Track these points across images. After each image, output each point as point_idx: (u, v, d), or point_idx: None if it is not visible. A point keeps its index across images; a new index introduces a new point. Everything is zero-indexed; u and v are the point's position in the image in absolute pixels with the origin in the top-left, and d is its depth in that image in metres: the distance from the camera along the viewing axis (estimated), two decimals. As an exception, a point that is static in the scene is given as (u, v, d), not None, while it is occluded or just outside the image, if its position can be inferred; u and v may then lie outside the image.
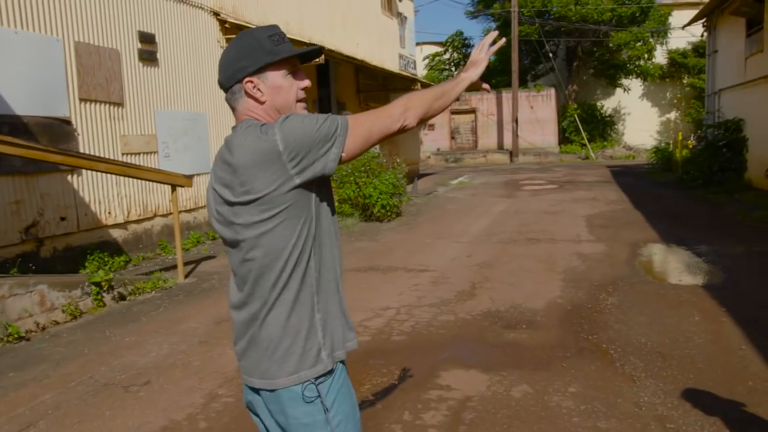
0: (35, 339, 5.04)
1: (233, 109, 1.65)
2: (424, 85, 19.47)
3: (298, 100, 1.65)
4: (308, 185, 1.51)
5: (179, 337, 4.96)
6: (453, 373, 4.00)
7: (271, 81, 1.60)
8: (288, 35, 1.71)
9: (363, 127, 1.55)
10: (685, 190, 14.37)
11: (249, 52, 1.58)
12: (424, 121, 1.67)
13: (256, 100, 1.60)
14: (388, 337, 4.76)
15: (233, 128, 1.61)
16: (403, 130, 1.63)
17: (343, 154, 1.52)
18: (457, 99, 1.76)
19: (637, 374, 3.85)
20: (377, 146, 17.75)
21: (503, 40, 1.82)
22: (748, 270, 6.51)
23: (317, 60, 11.17)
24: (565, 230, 9.42)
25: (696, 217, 10.33)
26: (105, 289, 6.00)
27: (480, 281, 6.43)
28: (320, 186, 1.57)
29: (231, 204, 1.53)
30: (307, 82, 1.66)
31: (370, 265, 7.47)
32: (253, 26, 1.65)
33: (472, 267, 7.12)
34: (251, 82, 1.59)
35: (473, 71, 1.76)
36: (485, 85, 1.86)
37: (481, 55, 1.78)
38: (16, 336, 4.94)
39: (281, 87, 1.61)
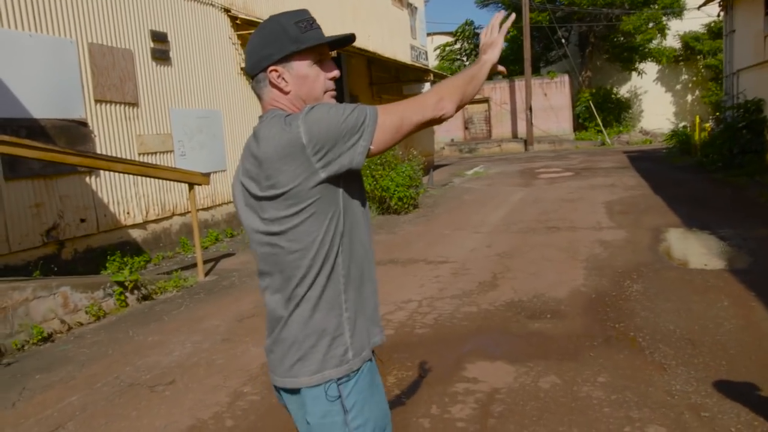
0: (60, 340, 5.07)
1: (259, 97, 1.61)
2: (437, 76, 19.36)
3: (326, 91, 1.58)
4: (335, 179, 1.45)
5: (202, 335, 4.96)
6: (479, 365, 3.95)
7: (296, 70, 1.53)
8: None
9: (394, 117, 1.47)
10: (704, 174, 14.15)
11: (273, 39, 1.52)
12: (460, 108, 1.59)
13: (280, 90, 1.55)
14: (412, 330, 4.72)
15: (260, 118, 1.56)
16: (440, 120, 1.55)
17: (372, 147, 1.45)
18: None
19: (667, 362, 3.78)
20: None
21: (513, 15, 1.76)
22: (775, 253, 6.38)
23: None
24: (584, 218, 9.31)
25: (718, 201, 10.16)
26: (129, 289, 6.02)
27: (501, 271, 6.37)
28: (349, 180, 1.50)
29: (258, 198, 1.49)
30: (335, 72, 1.59)
31: (389, 257, 7.43)
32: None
33: (493, 257, 7.05)
34: (276, 71, 1.53)
35: (491, 53, 1.68)
36: (501, 68, 1.78)
37: (494, 35, 1.70)
38: (41, 338, 4.97)
39: (307, 77, 1.54)
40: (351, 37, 1.60)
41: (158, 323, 5.40)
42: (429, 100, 1.53)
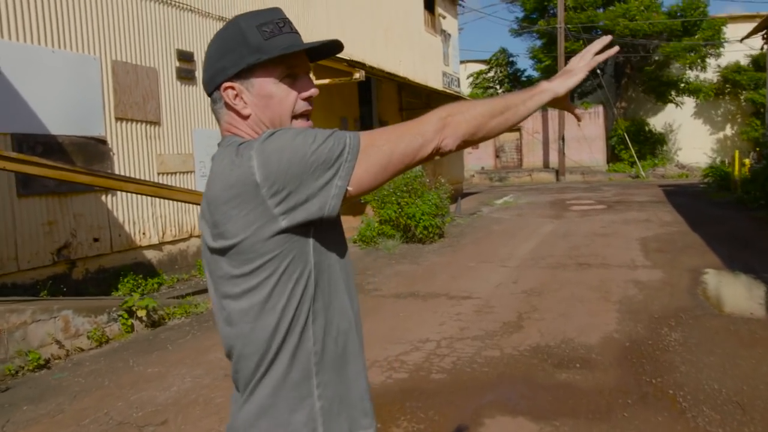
0: (56, 367, 4.82)
1: (218, 120, 1.28)
2: (468, 103, 19.09)
3: (297, 115, 1.23)
4: (303, 228, 1.12)
5: (204, 368, 4.66)
6: (498, 420, 3.57)
7: (257, 88, 1.20)
8: (329, 54, 1.34)
9: (381, 149, 1.12)
10: (745, 212, 13.51)
11: (230, 48, 1.20)
12: (470, 145, 1.22)
13: (237, 112, 1.22)
14: (428, 374, 4.35)
15: (218, 145, 1.25)
16: (436, 155, 1.18)
17: (350, 188, 1.10)
18: (525, 118, 1.29)
19: (712, 429, 3.34)
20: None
21: (616, 48, 1.33)
22: (828, 303, 5.86)
23: (357, 77, 11.00)
24: (618, 254, 8.85)
25: (761, 242, 9.58)
26: (136, 314, 5.78)
27: (527, 311, 5.97)
28: (323, 226, 1.15)
29: (209, 249, 1.17)
30: (312, 91, 1.25)
31: (410, 290, 7.08)
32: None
33: (519, 294, 6.65)
34: (231, 88, 1.21)
35: (561, 82, 1.28)
36: (577, 111, 1.40)
37: (581, 63, 1.30)
38: (36, 364, 4.73)
39: (272, 97, 1.21)
40: (334, 44, 1.25)
41: (161, 352, 5.13)
42: (427, 127, 1.16)
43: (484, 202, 18.67)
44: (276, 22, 1.21)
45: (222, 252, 1.13)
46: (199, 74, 8.63)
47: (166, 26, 8.06)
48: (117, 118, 7.22)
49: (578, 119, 1.45)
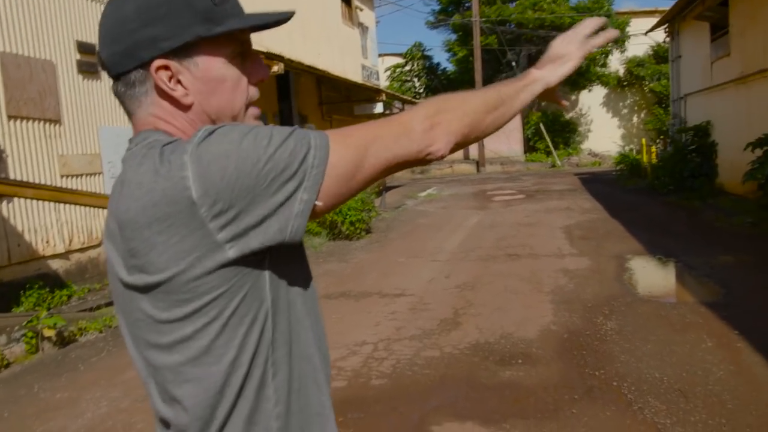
0: (-53, 400, 4.25)
1: (127, 111, 0.95)
2: (389, 96, 18.94)
3: (249, 104, 0.97)
4: (256, 257, 0.84)
5: (121, 390, 4.23)
6: (447, 427, 3.38)
7: (203, 69, 0.91)
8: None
9: (355, 151, 0.87)
10: (657, 197, 14.11)
11: (166, 11, 0.87)
12: (461, 148, 1.01)
13: (173, 101, 0.91)
14: (367, 380, 4.12)
15: (130, 142, 0.93)
16: (423, 161, 0.94)
17: (318, 203, 0.84)
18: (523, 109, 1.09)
19: (660, 421, 3.29)
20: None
21: (615, 32, 1.15)
22: (746, 283, 6.06)
23: (276, 69, 10.58)
24: (544, 243, 8.94)
25: (675, 225, 9.97)
26: (41, 333, 5.22)
27: (463, 306, 5.85)
28: (280, 254, 0.87)
29: (124, 285, 0.87)
30: (264, 72, 0.98)
31: (341, 290, 6.82)
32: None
33: (452, 290, 6.53)
34: (166, 68, 0.89)
35: (552, 70, 1.09)
36: (564, 101, 1.21)
37: (571, 46, 1.10)
38: (-77, 397, 4.15)
39: (223, 81, 0.92)
40: (288, 15, 0.97)
41: (72, 374, 4.64)
42: (414, 124, 0.92)
43: (407, 195, 18.63)
44: None
45: (143, 290, 0.83)
46: (103, 68, 7.99)
47: (64, 15, 7.38)
48: (9, 116, 6.52)
49: (562, 106, 1.29)
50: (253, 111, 0.98)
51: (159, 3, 0.88)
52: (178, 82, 0.90)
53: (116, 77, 0.92)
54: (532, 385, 3.89)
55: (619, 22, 29.11)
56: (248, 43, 0.97)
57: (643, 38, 24.07)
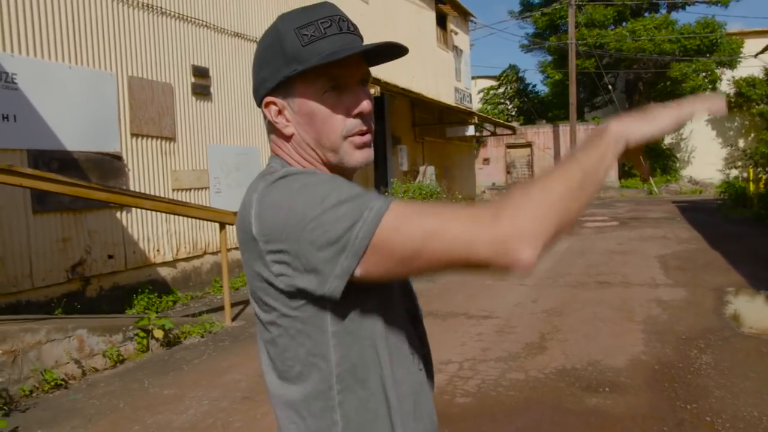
0: (71, 388, 4.72)
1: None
2: (481, 118, 18.98)
3: (349, 135, 1.02)
4: (309, 296, 0.95)
5: (221, 391, 4.55)
6: (530, 448, 3.43)
7: (299, 104, 1.03)
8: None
9: (408, 238, 0.86)
10: (764, 228, 13.30)
11: (268, 57, 1.04)
12: (550, 245, 0.86)
13: (277, 131, 1.07)
14: (452, 398, 4.22)
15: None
16: (507, 270, 0.83)
17: (357, 272, 0.88)
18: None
19: (756, 459, 3.19)
20: (433, 176, 17.21)
21: (722, 104, 0.94)
22: None
23: (372, 92, 10.94)
24: (637, 272, 8.68)
25: (784, 259, 9.40)
26: (151, 333, 5.68)
27: (550, 331, 5.82)
28: (350, 296, 0.93)
29: None
30: (363, 105, 1.02)
31: (428, 309, 6.95)
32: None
33: (539, 314, 6.50)
34: (273, 103, 1.05)
35: (636, 124, 0.93)
36: (647, 168, 1.05)
37: (667, 109, 0.95)
38: (52, 384, 4.64)
39: (314, 114, 1.02)
40: (392, 47, 1.01)
41: (177, 373, 5.02)
42: (485, 230, 0.83)
43: (496, 218, 18.48)
44: (320, 21, 1.00)
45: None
46: (213, 90, 8.61)
47: (182, 42, 8.05)
48: (132, 134, 7.18)
49: (644, 175, 1.09)
50: (356, 140, 1.03)
51: (265, 50, 1.04)
52: (282, 115, 1.05)
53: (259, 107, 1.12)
54: (619, 413, 3.85)
55: (732, 45, 27.81)
56: (345, 76, 1.01)
57: (754, 60, 22.86)
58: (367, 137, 1.06)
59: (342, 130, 1.02)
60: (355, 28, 1.05)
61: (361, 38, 1.05)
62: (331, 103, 1.01)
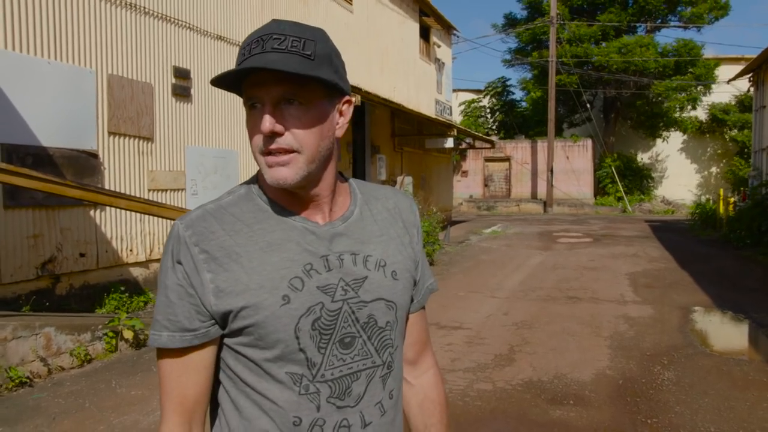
0: (36, 387, 4.66)
1: None
2: (460, 131, 19.15)
3: (263, 153, 1.04)
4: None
5: (189, 393, 4.53)
6: (493, 458, 3.48)
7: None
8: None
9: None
10: (732, 250, 13.62)
11: None
12: None
13: None
14: (419, 407, 4.26)
15: None
16: None
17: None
18: None
19: (710, 474, 3.28)
20: (410, 187, 17.33)
21: None
22: (818, 346, 5.85)
23: (353, 101, 10.99)
24: (607, 289, 8.84)
25: (748, 280, 9.63)
26: (121, 334, 5.63)
27: (519, 344, 5.90)
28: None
29: None
30: (265, 125, 1.00)
31: (399, 318, 6.98)
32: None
33: (510, 327, 6.59)
34: None
35: None
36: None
37: None
38: (17, 382, 4.58)
39: (247, 126, 1.08)
40: (246, 71, 1.00)
41: (145, 374, 4.99)
42: None
43: (472, 230, 18.68)
44: (249, 43, 1.02)
45: None
46: (194, 92, 8.58)
47: (164, 42, 8.02)
48: (110, 133, 7.13)
49: None
50: (267, 159, 1.03)
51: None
52: None
53: None
54: (582, 426, 3.93)
55: (706, 68, 28.41)
56: (259, 96, 1.02)
57: (727, 87, 23.45)
58: (280, 157, 1.03)
59: (256, 147, 1.05)
60: (296, 45, 1.00)
61: (307, 56, 1.01)
62: (250, 120, 1.05)
